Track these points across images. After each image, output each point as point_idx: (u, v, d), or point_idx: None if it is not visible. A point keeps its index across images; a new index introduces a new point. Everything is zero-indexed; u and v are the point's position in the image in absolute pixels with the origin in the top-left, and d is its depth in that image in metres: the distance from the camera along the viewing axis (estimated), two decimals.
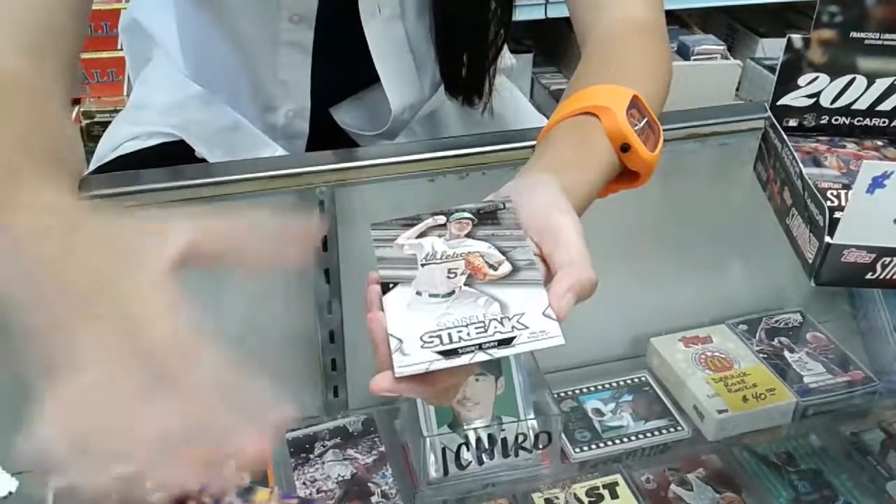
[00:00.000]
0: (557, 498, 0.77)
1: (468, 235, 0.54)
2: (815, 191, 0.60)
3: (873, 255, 0.57)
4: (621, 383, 0.91)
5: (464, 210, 0.56)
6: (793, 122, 0.71)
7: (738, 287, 1.00)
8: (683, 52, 2.37)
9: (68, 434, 0.42)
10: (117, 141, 1.00)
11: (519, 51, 2.34)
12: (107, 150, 1.00)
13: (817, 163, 0.68)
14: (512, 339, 0.47)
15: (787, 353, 0.93)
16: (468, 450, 0.76)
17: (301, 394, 0.86)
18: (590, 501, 0.77)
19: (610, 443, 0.84)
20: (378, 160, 0.80)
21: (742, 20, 2.61)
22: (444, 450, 0.75)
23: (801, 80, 0.69)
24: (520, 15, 2.10)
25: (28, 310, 0.46)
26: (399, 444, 0.82)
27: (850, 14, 0.66)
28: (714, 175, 0.95)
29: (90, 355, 0.43)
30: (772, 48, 2.45)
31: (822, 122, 0.71)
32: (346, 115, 1.00)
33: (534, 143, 0.65)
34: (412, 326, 0.48)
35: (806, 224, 0.61)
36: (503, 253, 0.52)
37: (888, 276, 0.58)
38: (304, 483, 0.77)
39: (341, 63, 0.93)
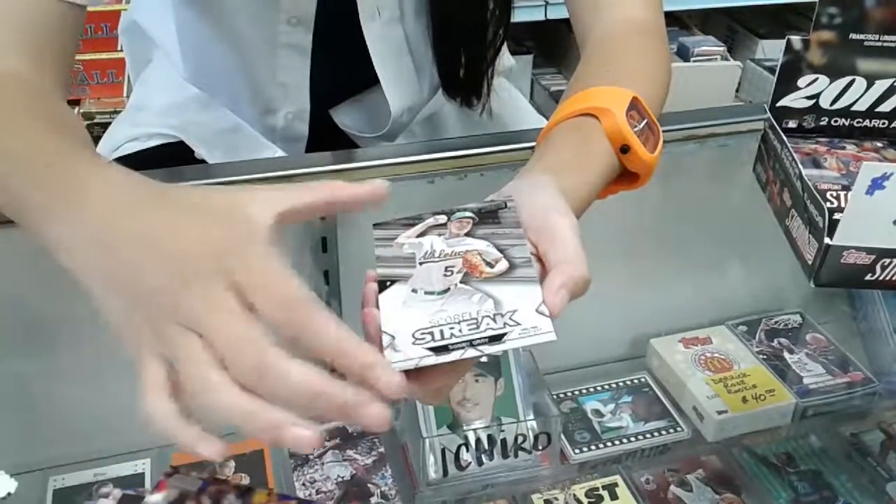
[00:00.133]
0: (557, 499, 0.77)
1: (468, 234, 0.54)
2: (815, 192, 0.60)
3: (873, 257, 0.57)
4: (621, 384, 0.91)
5: (465, 209, 0.56)
6: (792, 124, 0.71)
7: (737, 288, 1.00)
8: (683, 54, 2.37)
9: (224, 397, 0.42)
10: (117, 142, 1.00)
11: (519, 52, 2.34)
12: (106, 151, 1.00)
13: (817, 164, 0.68)
14: (503, 335, 0.47)
15: (786, 354, 0.92)
16: (468, 451, 0.76)
17: None
18: (589, 502, 0.77)
19: (609, 444, 0.84)
20: (377, 161, 0.80)
21: (742, 21, 2.62)
22: (443, 451, 0.75)
23: (801, 82, 0.69)
24: (520, 16, 2.11)
25: (124, 283, 0.46)
26: (398, 445, 0.82)
27: (849, 15, 0.66)
28: (714, 176, 0.95)
29: (212, 319, 0.43)
30: (772, 49, 2.45)
31: (822, 123, 0.71)
32: (345, 117, 1.00)
33: (533, 144, 0.65)
34: (405, 323, 0.48)
35: (805, 225, 0.61)
36: (501, 251, 0.52)
37: (887, 278, 0.58)
38: (303, 484, 0.77)
39: (340, 65, 0.93)
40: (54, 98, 0.65)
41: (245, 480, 0.76)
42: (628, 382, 0.91)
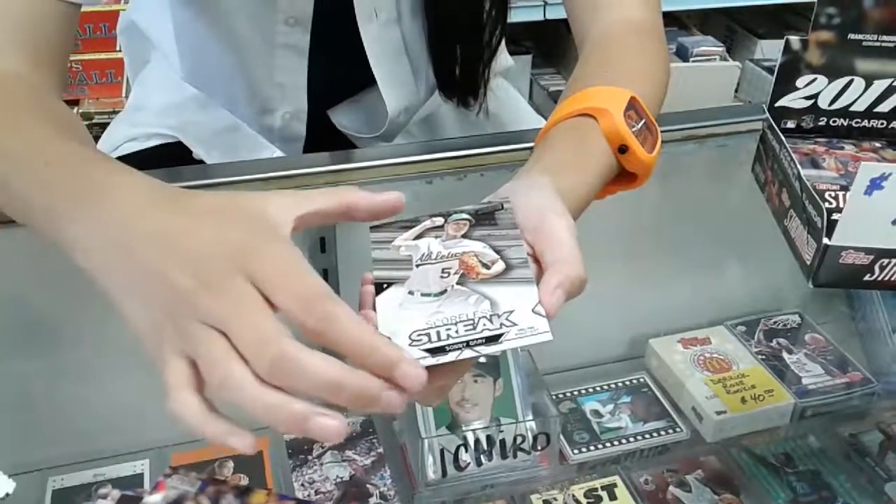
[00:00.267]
0: (556, 499, 0.77)
1: (464, 236, 0.54)
2: (814, 192, 0.60)
3: (871, 257, 0.57)
4: (620, 385, 0.91)
5: (462, 211, 0.56)
6: (791, 124, 0.71)
7: (736, 288, 1.00)
8: (682, 54, 2.37)
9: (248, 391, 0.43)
10: (115, 142, 1.00)
11: (518, 52, 2.34)
12: (105, 151, 1.00)
13: (815, 164, 0.68)
14: (500, 335, 0.47)
15: (785, 355, 0.92)
16: (466, 451, 0.76)
17: None
18: (588, 503, 0.77)
19: (608, 444, 0.84)
20: (375, 162, 0.80)
21: (741, 21, 2.62)
22: (442, 451, 0.75)
23: (800, 82, 0.69)
24: (518, 16, 2.11)
25: (144, 283, 0.46)
26: (397, 446, 0.82)
27: (847, 16, 0.66)
28: (712, 176, 0.95)
29: (234, 316, 0.44)
30: (770, 49, 2.46)
31: (821, 123, 0.71)
32: (343, 118, 1.00)
33: (531, 144, 0.65)
34: (402, 325, 0.48)
35: (804, 225, 0.61)
36: (497, 252, 0.52)
37: (886, 278, 0.58)
38: (302, 485, 0.77)
39: (338, 65, 0.93)
40: (53, 97, 0.66)
41: (244, 481, 0.76)
42: (627, 383, 0.91)
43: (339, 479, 0.78)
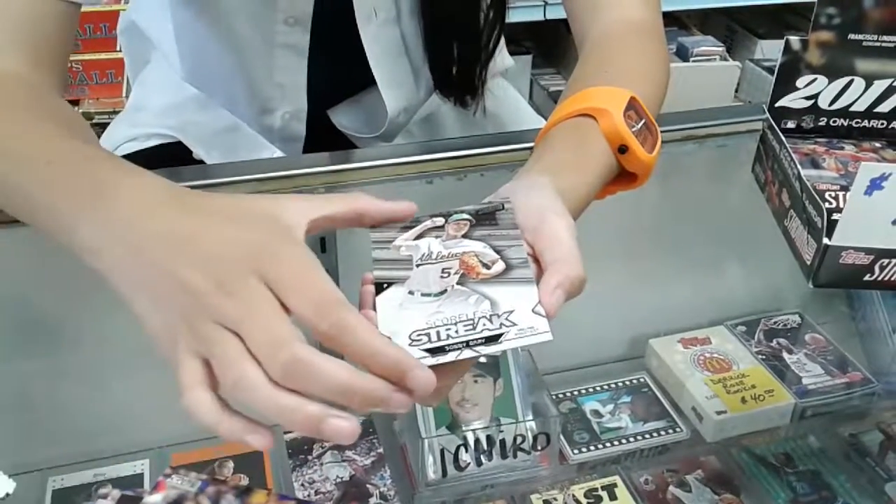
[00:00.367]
0: (556, 499, 0.77)
1: (465, 236, 0.54)
2: (814, 192, 0.60)
3: (871, 257, 0.57)
4: (620, 384, 0.91)
5: (462, 211, 0.56)
6: (791, 124, 0.71)
7: (736, 288, 1.00)
8: (682, 54, 2.37)
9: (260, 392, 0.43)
10: (116, 142, 1.00)
11: (518, 52, 2.34)
12: None
13: (815, 164, 0.68)
14: (500, 335, 0.47)
15: (785, 355, 0.92)
16: (467, 451, 0.76)
17: None
18: (588, 503, 0.77)
19: (608, 444, 0.84)
20: (375, 162, 0.80)
21: (741, 21, 2.62)
22: (442, 451, 0.75)
23: (800, 82, 0.69)
24: (518, 16, 2.11)
25: (158, 283, 0.46)
26: (398, 446, 0.82)
27: (848, 16, 0.66)
28: (712, 176, 0.95)
29: (247, 318, 0.44)
30: (771, 50, 2.46)
31: (821, 123, 0.71)
32: (343, 118, 1.00)
33: (531, 144, 0.65)
34: (402, 325, 0.48)
35: (804, 225, 0.61)
36: (497, 252, 0.52)
37: (886, 278, 0.58)
38: (302, 485, 0.77)
39: (337, 65, 0.93)
40: (54, 96, 0.66)
41: (244, 481, 0.76)
42: (627, 383, 0.91)
43: (339, 479, 0.78)
